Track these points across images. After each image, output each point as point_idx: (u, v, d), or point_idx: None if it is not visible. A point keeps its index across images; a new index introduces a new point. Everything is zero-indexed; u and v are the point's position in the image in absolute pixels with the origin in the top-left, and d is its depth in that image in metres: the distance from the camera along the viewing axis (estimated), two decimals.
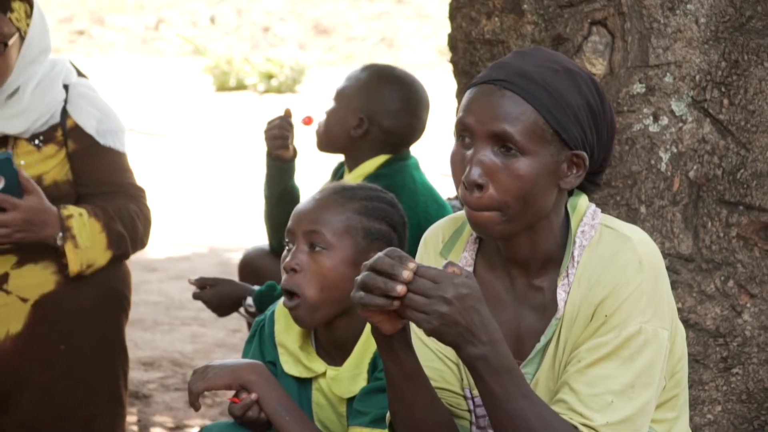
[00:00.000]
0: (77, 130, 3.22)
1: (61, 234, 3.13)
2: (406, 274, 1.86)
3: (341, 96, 3.38)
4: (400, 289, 1.86)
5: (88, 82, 3.31)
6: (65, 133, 3.22)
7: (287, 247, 2.51)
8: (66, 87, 3.25)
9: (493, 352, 1.93)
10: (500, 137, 2.02)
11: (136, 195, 3.31)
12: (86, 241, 3.15)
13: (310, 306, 2.46)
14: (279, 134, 3.43)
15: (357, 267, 2.43)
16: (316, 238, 2.46)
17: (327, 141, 3.41)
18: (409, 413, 2.06)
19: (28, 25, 3.16)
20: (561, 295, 2.09)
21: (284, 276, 2.48)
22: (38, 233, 3.10)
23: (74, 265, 3.14)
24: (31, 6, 3.18)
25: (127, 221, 3.25)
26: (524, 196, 2.03)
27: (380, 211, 2.51)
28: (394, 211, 2.54)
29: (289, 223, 2.51)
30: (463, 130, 2.07)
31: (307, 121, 3.46)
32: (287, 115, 3.45)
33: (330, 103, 3.41)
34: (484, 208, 2.03)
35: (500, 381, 1.95)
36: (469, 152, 2.05)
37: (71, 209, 3.16)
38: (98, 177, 3.25)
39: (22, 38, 3.16)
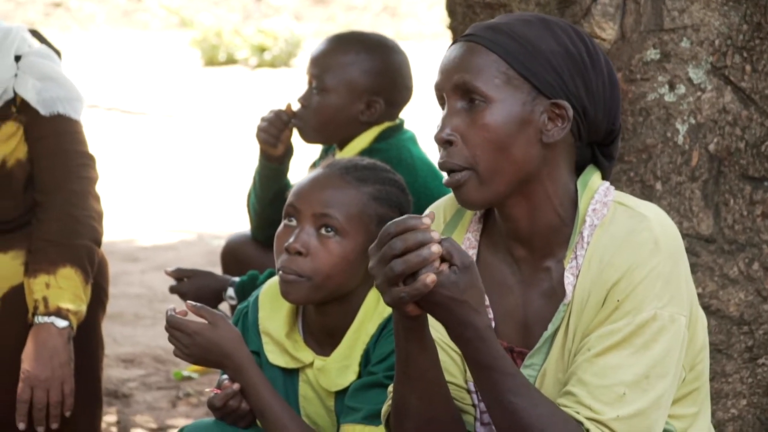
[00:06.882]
0: (24, 104, 3.22)
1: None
2: (435, 247, 1.90)
3: (337, 86, 3.35)
4: (436, 249, 1.89)
5: (44, 50, 3.29)
6: (18, 109, 3.22)
7: (286, 223, 2.52)
8: (19, 58, 3.24)
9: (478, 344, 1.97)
10: (462, 88, 2.09)
11: (84, 164, 3.26)
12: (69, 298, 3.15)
13: (313, 288, 2.49)
14: (267, 128, 3.44)
15: (364, 257, 2.45)
16: (328, 222, 2.48)
17: (328, 133, 3.39)
18: (428, 406, 2.07)
19: None
20: (569, 278, 2.10)
21: (284, 256, 2.49)
22: None
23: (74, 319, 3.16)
24: None
25: (86, 233, 3.21)
26: (493, 149, 2.07)
27: (393, 196, 2.54)
28: (404, 196, 2.57)
29: (292, 199, 2.52)
30: (438, 95, 2.14)
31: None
32: (286, 110, 3.44)
33: (318, 95, 3.36)
34: (454, 164, 2.08)
35: (488, 377, 1.99)
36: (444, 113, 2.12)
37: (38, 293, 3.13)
38: (46, 149, 3.23)
39: None
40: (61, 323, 3.09)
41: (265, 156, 3.50)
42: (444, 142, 2.08)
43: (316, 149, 3.63)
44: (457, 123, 2.09)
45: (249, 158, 8.44)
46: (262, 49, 14.43)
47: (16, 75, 3.22)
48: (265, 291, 2.63)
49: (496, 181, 2.08)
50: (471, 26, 2.15)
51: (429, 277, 1.88)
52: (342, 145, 3.39)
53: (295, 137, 3.47)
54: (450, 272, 1.91)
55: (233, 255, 3.71)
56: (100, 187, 3.31)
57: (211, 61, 14.56)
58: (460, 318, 1.94)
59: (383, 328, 2.50)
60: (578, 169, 2.16)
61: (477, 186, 2.08)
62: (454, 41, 2.16)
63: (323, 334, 2.56)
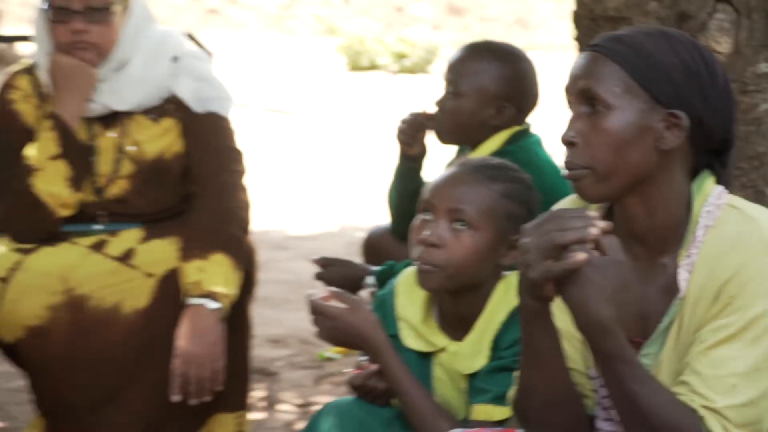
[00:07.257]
0: (180, 102, 3.29)
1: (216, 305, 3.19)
2: (595, 230, 1.95)
3: (470, 91, 3.38)
4: (595, 231, 1.94)
5: (199, 53, 3.36)
6: (175, 107, 3.30)
7: (422, 217, 2.54)
8: (176, 59, 3.31)
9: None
10: (585, 94, 2.12)
11: (233, 158, 3.33)
12: (222, 283, 3.20)
13: (446, 277, 2.50)
14: (405, 129, 3.51)
15: (495, 250, 2.50)
16: (461, 216, 2.49)
17: (461, 135, 3.42)
18: (551, 389, 2.11)
19: None
20: (683, 275, 2.12)
21: (420, 247, 2.51)
22: None
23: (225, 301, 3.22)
24: None
25: (236, 222, 3.28)
26: (611, 152, 2.09)
27: (522, 194, 2.55)
28: (531, 194, 2.57)
29: (428, 194, 2.54)
30: (567, 99, 2.17)
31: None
32: (423, 113, 3.49)
33: (453, 99, 3.40)
34: (575, 164, 2.12)
35: (611, 365, 2.02)
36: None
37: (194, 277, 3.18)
38: (200, 144, 3.30)
39: (124, 6, 3.21)
40: (213, 305, 3.14)
41: (402, 155, 3.56)
42: (568, 143, 2.13)
43: (453, 149, 3.65)
44: (580, 126, 2.12)
45: (389, 157, 8.52)
46: (401, 56, 14.50)
47: (172, 75, 3.30)
48: (402, 280, 2.66)
49: (612, 180, 2.11)
50: (598, 36, 2.17)
51: (580, 255, 1.92)
52: (474, 147, 3.40)
53: (433, 139, 3.50)
54: (600, 257, 1.95)
55: (373, 246, 3.78)
56: (247, 180, 3.37)
57: (355, 66, 14.67)
58: (591, 304, 1.97)
59: (512, 316, 2.51)
60: (695, 174, 2.17)
61: (594, 182, 2.12)
62: (582, 50, 2.18)
63: (456, 321, 2.57)
